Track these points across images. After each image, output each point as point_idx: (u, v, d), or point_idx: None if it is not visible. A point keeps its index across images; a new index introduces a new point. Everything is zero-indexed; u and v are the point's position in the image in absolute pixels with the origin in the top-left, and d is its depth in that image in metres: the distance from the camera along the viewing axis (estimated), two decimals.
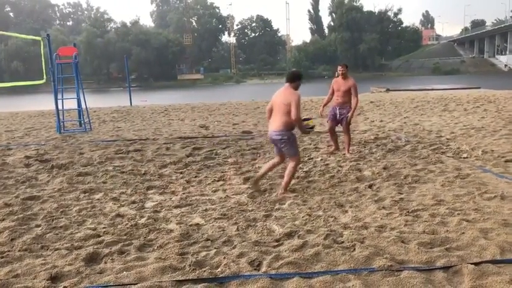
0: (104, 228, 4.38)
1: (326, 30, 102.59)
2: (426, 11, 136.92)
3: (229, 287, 3.15)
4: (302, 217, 4.53)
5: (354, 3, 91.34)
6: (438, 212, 4.49)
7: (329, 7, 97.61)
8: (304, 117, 5.25)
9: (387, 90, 27.40)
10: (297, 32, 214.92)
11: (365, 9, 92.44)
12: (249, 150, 8.35)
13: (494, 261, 3.32)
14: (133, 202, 5.28)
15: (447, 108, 14.77)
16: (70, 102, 12.65)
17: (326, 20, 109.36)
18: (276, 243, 3.87)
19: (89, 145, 9.39)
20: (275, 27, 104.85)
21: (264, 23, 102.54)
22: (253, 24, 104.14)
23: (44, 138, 10.73)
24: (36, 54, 58.01)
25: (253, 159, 7.58)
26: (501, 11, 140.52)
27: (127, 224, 4.47)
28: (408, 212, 4.56)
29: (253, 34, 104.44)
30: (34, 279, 3.31)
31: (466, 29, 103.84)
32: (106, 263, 3.57)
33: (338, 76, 7.55)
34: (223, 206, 5.00)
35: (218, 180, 6.21)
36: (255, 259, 3.51)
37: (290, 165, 5.52)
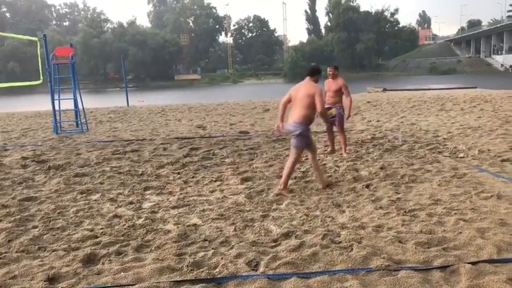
0: (101, 229, 4.37)
1: (323, 31, 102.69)
2: (423, 11, 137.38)
3: (227, 287, 3.15)
4: (300, 217, 4.53)
5: (351, 4, 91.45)
6: (435, 212, 4.51)
7: (325, 7, 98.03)
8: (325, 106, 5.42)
9: (384, 90, 27.46)
10: (294, 32, 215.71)
11: (362, 9, 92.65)
12: (246, 150, 8.35)
13: (491, 261, 3.33)
14: (131, 203, 5.27)
15: (444, 107, 14.81)
16: (66, 103, 12.62)
17: (323, 20, 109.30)
18: (274, 244, 3.87)
19: (86, 146, 9.37)
20: (272, 28, 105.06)
21: (261, 23, 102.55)
22: (250, 25, 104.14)
23: (40, 139, 10.71)
24: (32, 54, 57.91)
25: (251, 159, 7.58)
26: (497, 11, 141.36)
27: (125, 224, 4.46)
28: (405, 211, 4.57)
29: (250, 34, 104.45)
30: (31, 280, 3.30)
31: (462, 29, 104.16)
32: (103, 264, 3.57)
33: (328, 77, 7.73)
34: (221, 207, 5.00)
35: (215, 181, 6.21)
36: (253, 259, 3.51)
37: (289, 160, 5.64)
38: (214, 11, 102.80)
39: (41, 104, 23.54)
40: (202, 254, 3.69)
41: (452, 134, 9.37)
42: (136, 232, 4.25)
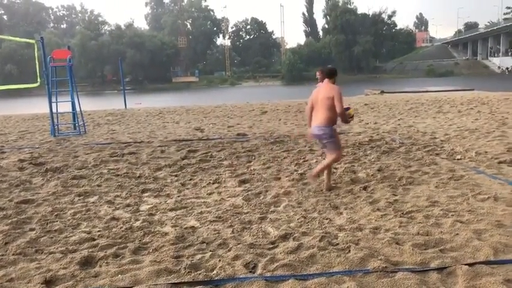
0: (99, 231, 4.37)
1: (321, 33, 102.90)
2: (420, 14, 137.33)
3: None
4: (297, 219, 4.54)
5: (349, 6, 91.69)
6: (432, 214, 4.52)
7: (323, 10, 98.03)
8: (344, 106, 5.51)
9: (382, 92, 27.50)
10: (292, 35, 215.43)
11: (359, 11, 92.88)
12: (244, 152, 8.35)
13: (487, 262, 3.34)
14: (128, 205, 5.27)
15: (441, 110, 14.85)
16: (64, 105, 12.61)
17: (320, 22, 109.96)
18: (271, 246, 3.87)
19: (83, 148, 9.36)
20: (270, 30, 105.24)
21: (258, 26, 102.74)
22: (248, 27, 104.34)
23: (38, 142, 10.69)
24: (30, 57, 57.83)
25: (248, 161, 7.59)
26: (494, 14, 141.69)
27: (122, 227, 4.46)
28: (402, 213, 4.58)
29: (248, 36, 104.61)
30: (28, 283, 3.29)
31: (459, 32, 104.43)
32: (100, 266, 3.56)
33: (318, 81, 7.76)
34: (219, 209, 5.00)
35: (213, 183, 6.21)
36: (250, 261, 3.51)
37: (329, 157, 5.65)
38: (212, 13, 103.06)
39: (38, 106, 23.52)
40: (199, 256, 3.69)
41: (449, 136, 9.40)
42: (134, 234, 4.24)
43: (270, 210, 4.93)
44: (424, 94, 23.66)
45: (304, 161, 7.41)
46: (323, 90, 5.58)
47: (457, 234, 3.92)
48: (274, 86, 76.63)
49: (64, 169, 7.27)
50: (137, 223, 4.58)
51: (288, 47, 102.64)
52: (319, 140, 5.78)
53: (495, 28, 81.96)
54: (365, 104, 17.95)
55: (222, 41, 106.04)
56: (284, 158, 7.75)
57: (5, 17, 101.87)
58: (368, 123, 12.04)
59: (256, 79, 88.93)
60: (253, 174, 6.64)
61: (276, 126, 12.18)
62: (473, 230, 3.98)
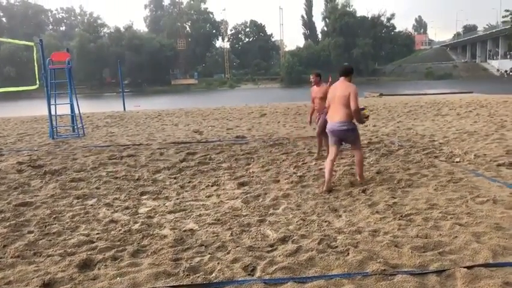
0: (97, 234, 4.36)
1: (320, 35, 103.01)
2: (419, 16, 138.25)
3: None
4: (296, 222, 4.53)
5: (347, 9, 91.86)
6: (431, 216, 4.52)
7: (322, 12, 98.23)
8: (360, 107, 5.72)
9: (381, 95, 27.57)
10: (291, 37, 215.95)
11: (358, 14, 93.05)
12: (243, 155, 8.35)
13: (486, 265, 3.34)
14: (127, 208, 5.26)
15: (440, 112, 14.87)
16: (63, 108, 12.61)
17: (320, 25, 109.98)
18: (270, 248, 3.87)
19: (82, 151, 9.35)
20: (269, 32, 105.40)
21: (257, 28, 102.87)
22: (247, 29, 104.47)
23: (36, 144, 10.68)
24: (29, 59, 57.83)
25: (247, 164, 7.58)
26: (492, 16, 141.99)
27: (121, 229, 4.45)
28: (401, 216, 4.58)
29: (247, 39, 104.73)
30: (27, 286, 3.28)
31: (458, 34, 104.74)
32: (99, 269, 3.55)
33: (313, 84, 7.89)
34: (217, 211, 4.99)
35: (212, 186, 6.21)
36: (249, 264, 3.51)
37: (357, 155, 5.93)
38: (211, 15, 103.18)
39: (37, 109, 23.51)
40: (198, 259, 3.68)
41: (448, 138, 9.41)
42: (132, 237, 4.24)
43: (269, 212, 4.93)
44: (423, 97, 23.72)
45: (303, 164, 7.41)
46: (339, 89, 5.70)
47: (456, 236, 3.92)
48: (273, 88, 76.67)
49: (62, 172, 7.26)
50: (136, 226, 4.57)
51: (287, 49, 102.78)
52: (337, 137, 5.82)
53: (494, 31, 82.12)
54: (364, 107, 17.93)
55: (221, 43, 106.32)
56: (283, 160, 7.75)
57: (4, 19, 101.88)
58: (367, 126, 12.03)
59: (255, 82, 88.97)
60: (252, 176, 6.64)
61: (275, 129, 12.19)
62: (472, 233, 3.98)
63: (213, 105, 23.35)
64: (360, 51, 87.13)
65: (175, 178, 6.72)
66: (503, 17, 73.68)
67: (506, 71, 75.87)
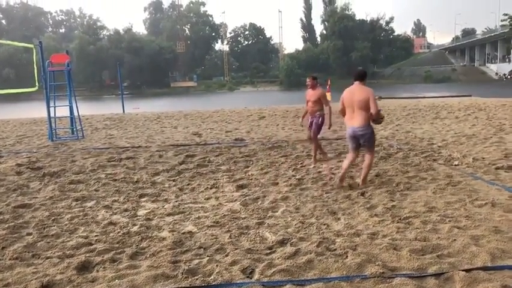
0: (96, 236, 4.36)
1: (319, 39, 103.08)
2: (418, 20, 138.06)
3: None
4: (295, 224, 4.53)
5: (346, 12, 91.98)
6: (429, 219, 4.52)
7: (321, 16, 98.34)
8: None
9: (380, 98, 27.57)
10: (290, 40, 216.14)
11: (357, 17, 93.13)
12: (241, 157, 8.35)
13: (485, 268, 3.35)
14: (126, 210, 5.26)
15: (438, 115, 14.90)
16: (62, 110, 12.60)
17: (319, 28, 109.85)
18: (269, 251, 3.87)
19: (81, 153, 9.35)
20: (268, 35, 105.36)
21: (256, 31, 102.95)
22: (246, 32, 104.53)
23: (35, 146, 10.68)
24: (28, 61, 57.74)
25: (246, 166, 7.59)
26: (491, 20, 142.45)
27: (119, 232, 4.45)
28: (400, 219, 4.58)
29: (246, 42, 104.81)
30: None
31: (456, 38, 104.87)
32: (98, 271, 3.55)
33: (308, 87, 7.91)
34: (216, 214, 5.00)
35: (211, 188, 6.21)
36: (248, 267, 3.51)
37: (368, 159, 6.02)
38: (211, 18, 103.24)
39: (36, 111, 23.48)
40: (197, 261, 3.68)
41: (446, 141, 9.42)
42: (131, 239, 4.24)
43: (268, 215, 4.93)
44: (422, 100, 23.76)
45: (302, 166, 7.42)
46: (358, 93, 5.79)
47: (455, 240, 3.93)
48: (272, 91, 76.71)
49: (61, 174, 7.26)
50: (135, 228, 4.57)
51: (286, 52, 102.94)
52: (357, 142, 6.01)
53: (492, 35, 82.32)
54: (380, 108, 17.95)
55: (221, 46, 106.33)
56: (282, 163, 7.76)
57: (3, 21, 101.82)
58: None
59: (254, 84, 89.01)
60: (251, 179, 6.64)
61: (274, 132, 12.20)
62: (471, 236, 3.99)
63: (212, 108, 23.36)
64: (359, 55, 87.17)
65: (174, 180, 6.72)
66: (501, 20, 73.78)
67: (504, 75, 76.03)
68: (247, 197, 5.63)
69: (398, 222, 4.48)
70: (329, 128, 7.82)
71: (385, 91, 42.41)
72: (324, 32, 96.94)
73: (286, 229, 4.41)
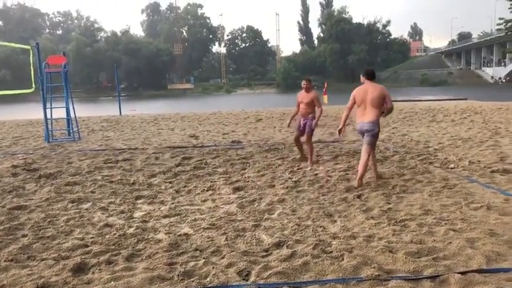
0: (92, 238, 4.35)
1: (316, 41, 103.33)
2: (414, 23, 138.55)
3: None
4: (291, 227, 4.54)
5: (344, 15, 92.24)
6: (425, 222, 4.54)
7: (318, 19, 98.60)
8: None
9: None
10: (287, 43, 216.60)
11: (354, 21, 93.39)
12: (238, 159, 8.35)
13: (480, 271, 3.36)
14: (122, 212, 5.25)
15: (435, 119, 14.95)
16: (58, 111, 12.57)
17: (316, 31, 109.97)
18: (265, 253, 3.87)
19: (77, 154, 9.33)
20: (265, 38, 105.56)
21: (254, 34, 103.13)
22: (244, 35, 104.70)
23: (32, 147, 10.64)
24: (25, 62, 57.59)
25: (243, 168, 7.59)
26: (487, 24, 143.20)
27: (115, 233, 4.44)
28: (396, 221, 4.59)
29: (243, 44, 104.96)
30: None
31: (453, 41, 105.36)
32: (93, 273, 3.54)
33: (302, 89, 7.91)
34: (212, 216, 4.99)
35: (207, 190, 6.20)
36: (244, 269, 3.51)
37: (364, 156, 6.14)
38: (208, 21, 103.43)
39: (33, 112, 23.43)
40: (193, 263, 3.68)
41: (443, 144, 9.45)
42: (127, 241, 4.23)
43: (264, 217, 4.93)
44: (418, 103, 23.81)
45: (298, 169, 7.43)
46: (372, 90, 6.05)
47: (450, 242, 3.94)
48: (269, 93, 76.77)
49: (57, 175, 7.24)
50: (131, 230, 4.56)
51: (283, 55, 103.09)
52: (362, 135, 6.23)
53: (488, 38, 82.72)
54: None
55: (218, 48, 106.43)
56: (279, 165, 7.76)
57: (0, 22, 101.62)
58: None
59: (251, 87, 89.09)
60: (248, 181, 6.64)
61: (271, 134, 12.21)
62: (466, 239, 4.00)
63: (209, 110, 23.35)
64: (356, 58, 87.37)
65: (170, 182, 6.71)
66: (497, 24, 74.23)
67: (500, 78, 76.40)
68: (243, 199, 5.63)
69: (394, 225, 4.49)
70: (313, 127, 7.84)
71: None
72: (321, 35, 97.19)
73: (283, 231, 4.41)
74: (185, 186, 6.45)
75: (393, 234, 4.22)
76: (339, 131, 6.42)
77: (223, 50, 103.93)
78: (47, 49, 64.82)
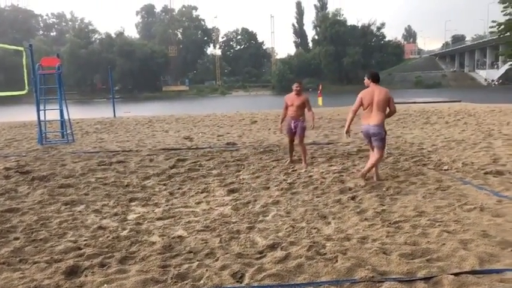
0: (85, 240, 4.32)
1: (310, 44, 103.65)
2: (409, 26, 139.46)
3: None
4: (285, 229, 4.53)
5: (338, 18, 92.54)
6: (419, 224, 4.55)
7: (313, 21, 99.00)
8: None
9: None
10: (282, 45, 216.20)
11: (349, 23, 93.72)
12: (233, 161, 8.34)
13: (473, 272, 3.37)
14: (115, 214, 5.22)
15: (429, 121, 15.02)
16: (52, 113, 12.51)
17: (310, 33, 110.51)
18: (259, 255, 3.86)
19: (71, 156, 9.28)
20: (260, 40, 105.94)
21: (249, 36, 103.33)
22: (239, 37, 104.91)
23: (25, 150, 10.58)
24: (18, 64, 57.31)
25: (238, 170, 7.58)
26: (480, 27, 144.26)
27: (109, 236, 4.42)
28: (390, 223, 4.60)
29: (238, 46, 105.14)
30: None
31: (446, 44, 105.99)
32: (86, 276, 3.52)
33: (292, 92, 7.90)
34: (207, 218, 4.98)
35: (202, 192, 6.19)
36: (238, 271, 3.50)
37: (375, 156, 6.29)
38: (203, 23, 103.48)
39: (26, 114, 23.29)
40: (186, 266, 3.66)
41: (436, 146, 9.49)
42: (121, 244, 4.21)
43: (259, 219, 4.92)
44: (412, 105, 23.90)
45: (293, 171, 7.43)
46: (378, 93, 6.14)
47: (444, 244, 3.95)
48: (264, 95, 76.87)
49: (50, 177, 7.19)
50: (125, 232, 4.54)
51: (278, 57, 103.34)
52: (368, 138, 6.40)
53: (481, 41, 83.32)
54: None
55: (213, 50, 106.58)
56: (273, 167, 7.76)
57: None
58: (356, 134, 12.08)
59: (246, 89, 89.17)
60: (242, 183, 6.63)
61: (266, 136, 12.21)
62: (460, 240, 4.01)
63: (203, 112, 23.33)
64: (351, 60, 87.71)
65: (164, 185, 6.69)
66: (490, 27, 74.59)
67: (493, 81, 76.94)
68: (238, 201, 5.62)
69: (387, 227, 4.50)
70: (307, 129, 7.96)
71: None
72: (316, 37, 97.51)
73: (277, 233, 4.41)
74: (179, 189, 6.43)
75: (387, 235, 4.23)
76: (346, 132, 6.54)
77: (218, 52, 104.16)
78: (41, 51, 64.57)
